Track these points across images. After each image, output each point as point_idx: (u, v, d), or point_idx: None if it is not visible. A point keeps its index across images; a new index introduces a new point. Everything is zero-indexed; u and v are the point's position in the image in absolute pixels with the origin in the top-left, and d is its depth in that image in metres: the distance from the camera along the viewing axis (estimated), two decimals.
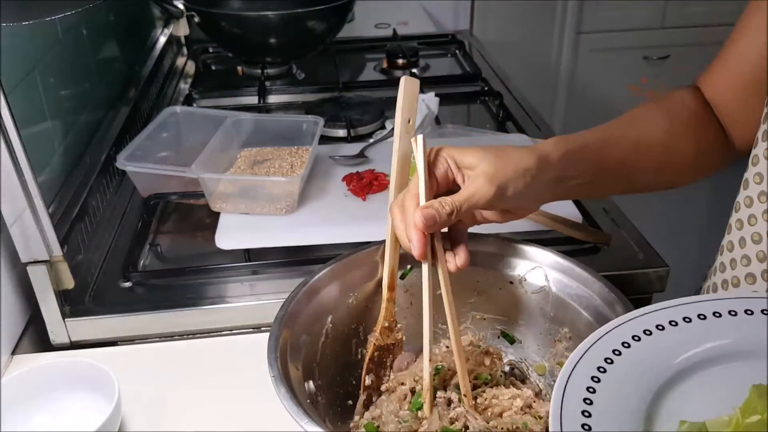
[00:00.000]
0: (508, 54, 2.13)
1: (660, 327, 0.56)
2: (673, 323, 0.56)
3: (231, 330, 0.90)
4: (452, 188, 0.65)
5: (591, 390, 0.50)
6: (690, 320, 0.56)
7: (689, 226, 2.86)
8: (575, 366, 0.52)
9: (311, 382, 0.66)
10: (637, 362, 0.53)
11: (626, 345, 0.54)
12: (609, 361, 0.53)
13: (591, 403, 0.49)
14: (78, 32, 1.23)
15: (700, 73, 0.79)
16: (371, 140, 1.27)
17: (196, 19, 1.58)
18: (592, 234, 0.96)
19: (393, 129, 1.30)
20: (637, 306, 0.67)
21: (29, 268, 0.83)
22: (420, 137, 0.64)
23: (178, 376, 0.82)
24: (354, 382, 0.73)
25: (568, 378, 0.51)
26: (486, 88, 1.53)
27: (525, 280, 0.75)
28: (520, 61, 2.48)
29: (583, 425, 0.47)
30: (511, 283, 0.75)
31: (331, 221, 1.01)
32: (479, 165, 0.63)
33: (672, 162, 0.75)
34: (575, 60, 2.90)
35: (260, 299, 0.90)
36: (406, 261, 0.75)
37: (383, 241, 0.75)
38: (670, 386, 0.51)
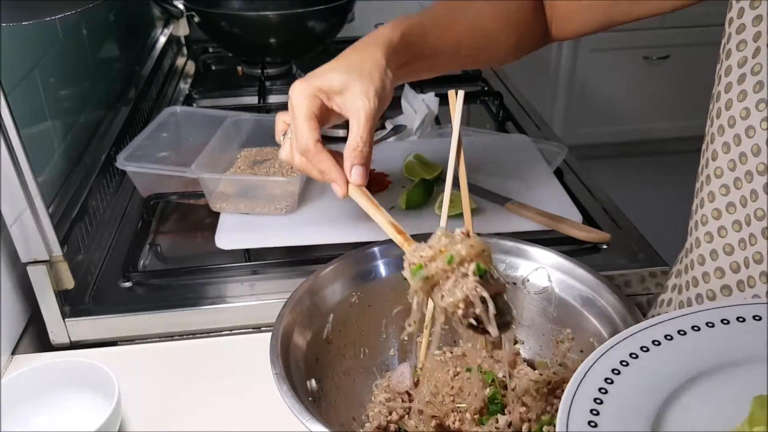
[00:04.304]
0: None
1: (668, 337, 0.56)
2: (682, 332, 0.56)
3: (231, 330, 0.90)
4: (329, 116, 0.70)
5: (598, 401, 0.50)
6: (685, 333, 0.56)
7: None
8: (584, 377, 0.52)
9: (313, 381, 0.66)
10: (645, 373, 0.53)
11: (634, 356, 0.54)
12: (616, 372, 0.53)
13: (598, 413, 0.49)
14: (78, 32, 1.23)
15: None
16: None
17: (196, 19, 1.57)
18: (592, 234, 0.96)
19: (393, 129, 1.31)
20: (636, 305, 0.67)
21: (29, 268, 0.83)
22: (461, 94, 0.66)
23: (178, 376, 0.82)
24: (355, 380, 0.73)
25: (577, 388, 0.51)
26: (486, 88, 1.53)
27: (528, 280, 0.75)
28: (520, 61, 2.48)
29: None
30: (514, 284, 0.75)
31: (331, 221, 1.01)
32: (349, 88, 0.67)
33: (494, 47, 0.84)
34: (575, 60, 2.91)
35: (260, 299, 0.90)
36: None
37: (386, 241, 0.75)
38: (674, 398, 0.51)
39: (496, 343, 0.64)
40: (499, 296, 0.57)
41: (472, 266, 0.55)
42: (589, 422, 0.48)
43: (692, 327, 0.56)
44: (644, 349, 0.55)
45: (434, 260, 0.56)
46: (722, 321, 0.57)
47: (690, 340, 0.56)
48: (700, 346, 0.55)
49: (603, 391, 0.51)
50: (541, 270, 0.74)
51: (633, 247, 0.97)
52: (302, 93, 0.69)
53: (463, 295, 0.55)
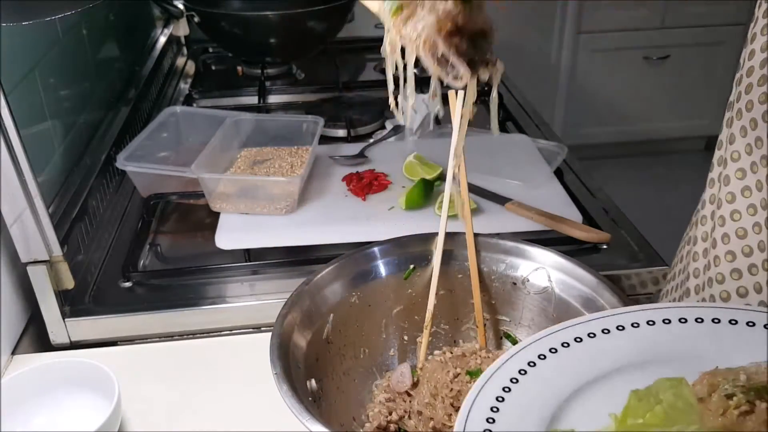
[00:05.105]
0: (508, 54, 2.13)
1: (579, 338, 0.57)
2: (592, 335, 0.57)
3: (231, 330, 0.90)
4: None
5: (499, 401, 0.50)
6: (594, 335, 0.57)
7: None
8: (488, 379, 0.53)
9: (313, 381, 0.66)
10: (545, 378, 0.53)
11: (542, 357, 0.55)
12: (523, 372, 0.53)
13: (496, 414, 0.49)
14: (78, 32, 1.23)
15: None
16: (371, 140, 1.27)
17: (196, 19, 1.57)
18: (592, 234, 0.96)
19: (393, 129, 1.31)
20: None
21: (29, 268, 0.83)
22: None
23: (178, 376, 0.82)
24: (355, 380, 0.72)
25: (477, 395, 0.51)
26: (486, 88, 1.53)
27: (528, 280, 0.75)
28: (520, 61, 2.48)
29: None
30: (514, 284, 0.75)
31: (331, 221, 1.01)
32: None
33: None
34: (575, 60, 2.90)
35: (260, 299, 0.90)
36: (408, 261, 0.75)
37: (386, 241, 0.75)
38: (570, 402, 0.51)
39: (465, 89, 0.55)
40: (481, 36, 0.49)
41: None
42: (487, 419, 0.48)
43: (602, 330, 0.57)
44: (553, 350, 0.56)
45: None
46: (632, 324, 0.58)
47: (599, 342, 0.56)
48: (609, 347, 0.56)
49: (506, 389, 0.51)
50: (541, 270, 0.74)
51: (633, 247, 0.97)
52: None
53: (435, 17, 0.47)
